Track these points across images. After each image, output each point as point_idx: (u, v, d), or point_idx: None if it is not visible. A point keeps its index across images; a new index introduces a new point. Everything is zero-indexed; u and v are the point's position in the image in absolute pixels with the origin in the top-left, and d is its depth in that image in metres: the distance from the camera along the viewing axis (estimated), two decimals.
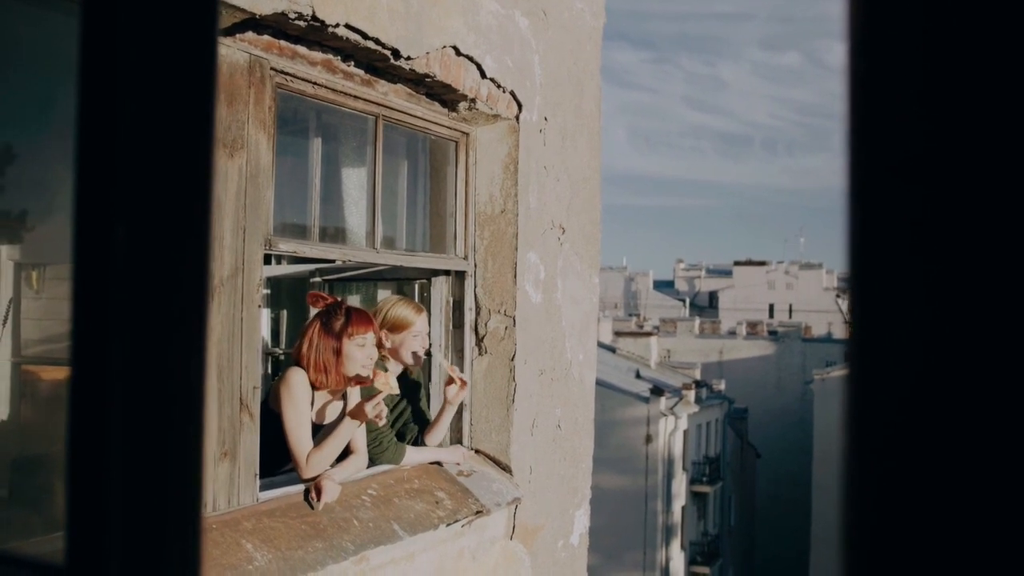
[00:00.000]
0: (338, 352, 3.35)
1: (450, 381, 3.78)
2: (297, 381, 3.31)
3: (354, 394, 3.48)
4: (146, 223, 0.73)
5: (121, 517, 0.72)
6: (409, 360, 3.81)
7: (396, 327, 3.77)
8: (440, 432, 3.86)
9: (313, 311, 3.52)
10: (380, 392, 3.32)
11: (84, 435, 0.74)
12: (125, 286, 0.72)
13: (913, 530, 0.47)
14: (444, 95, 3.81)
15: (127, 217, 0.72)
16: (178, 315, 0.75)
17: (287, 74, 3.12)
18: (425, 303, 4.13)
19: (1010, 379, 0.45)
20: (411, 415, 3.93)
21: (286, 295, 5.21)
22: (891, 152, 0.48)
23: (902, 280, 0.48)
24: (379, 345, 3.71)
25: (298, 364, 3.37)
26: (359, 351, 3.39)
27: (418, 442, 3.86)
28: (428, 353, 4.05)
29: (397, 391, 3.47)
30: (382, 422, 3.39)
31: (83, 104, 0.74)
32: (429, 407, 4.09)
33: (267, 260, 4.56)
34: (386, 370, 3.66)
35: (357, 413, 3.28)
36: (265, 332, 4.99)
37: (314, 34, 3.03)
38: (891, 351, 0.49)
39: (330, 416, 3.48)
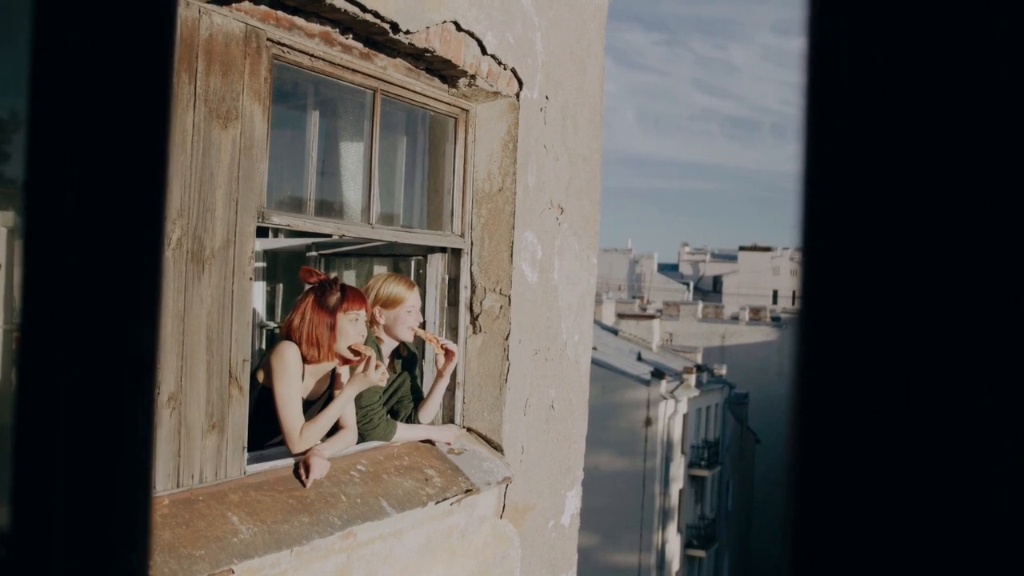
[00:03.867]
0: (332, 327, 3.35)
1: (444, 351, 3.78)
2: (290, 355, 3.30)
3: (345, 370, 3.48)
4: (96, 188, 0.71)
5: (64, 490, 0.71)
6: (405, 336, 3.79)
7: (389, 303, 3.75)
8: (433, 406, 3.86)
9: (306, 287, 3.51)
10: (369, 356, 3.33)
11: (30, 407, 0.72)
12: (73, 253, 0.71)
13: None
14: (444, 71, 3.77)
15: (77, 181, 0.70)
16: (129, 284, 0.73)
17: (284, 45, 3.09)
18: (420, 280, 4.11)
19: (973, 363, 0.43)
20: (405, 392, 3.92)
21: (283, 268, 5.20)
22: (849, 141, 0.46)
23: (857, 267, 0.47)
24: (372, 322, 3.70)
25: (288, 338, 3.37)
26: (352, 326, 3.39)
27: (412, 419, 3.86)
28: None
29: (383, 384, 3.45)
30: (384, 382, 3.40)
31: (34, 60, 0.71)
32: (423, 383, 4.08)
33: (263, 233, 4.54)
34: (379, 350, 3.65)
35: (359, 379, 3.31)
36: (260, 305, 4.98)
37: (312, 5, 3.00)
38: (843, 341, 0.47)
39: (316, 392, 3.47)
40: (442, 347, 3.77)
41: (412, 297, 3.78)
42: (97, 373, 0.72)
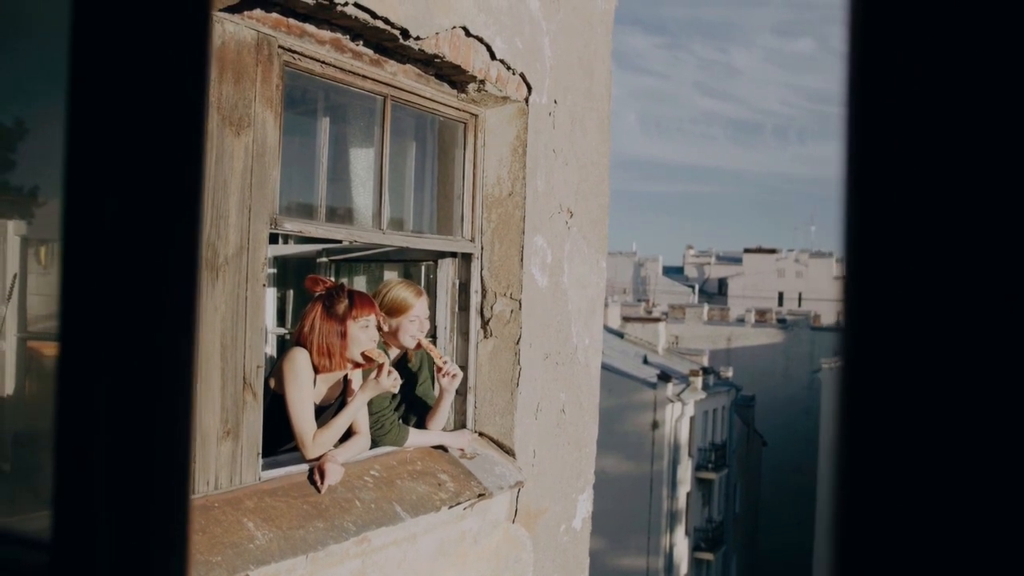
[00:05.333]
0: (343, 335, 3.35)
1: (440, 370, 3.72)
2: (302, 361, 3.31)
3: (357, 375, 3.48)
4: (135, 198, 0.72)
5: (106, 491, 0.72)
6: (408, 344, 3.76)
7: (394, 310, 3.72)
8: (440, 418, 3.83)
9: (314, 296, 3.50)
10: (384, 363, 3.33)
11: (70, 411, 0.73)
12: (112, 262, 0.71)
13: (904, 529, 0.46)
14: (453, 76, 3.78)
15: (116, 192, 0.71)
16: (167, 292, 0.74)
17: (295, 52, 3.11)
18: (431, 285, 4.12)
19: (1006, 372, 0.44)
20: (413, 399, 3.91)
21: (293, 275, 5.21)
22: (889, 140, 0.46)
23: (898, 269, 0.47)
24: (379, 328, 3.70)
25: (299, 346, 3.37)
26: (363, 333, 3.39)
27: (419, 427, 3.85)
28: (434, 337, 4.04)
29: (396, 389, 3.43)
30: (397, 389, 3.39)
31: (73, 77, 0.72)
32: (435, 387, 4.07)
33: (274, 239, 4.55)
34: (387, 355, 3.64)
35: (371, 385, 3.31)
36: (271, 312, 4.99)
37: (323, 12, 3.01)
38: (886, 344, 0.48)
39: (328, 397, 3.48)
40: (440, 369, 3.69)
41: (418, 306, 3.74)
42: (136, 380, 0.73)
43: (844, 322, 0.50)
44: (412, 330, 3.72)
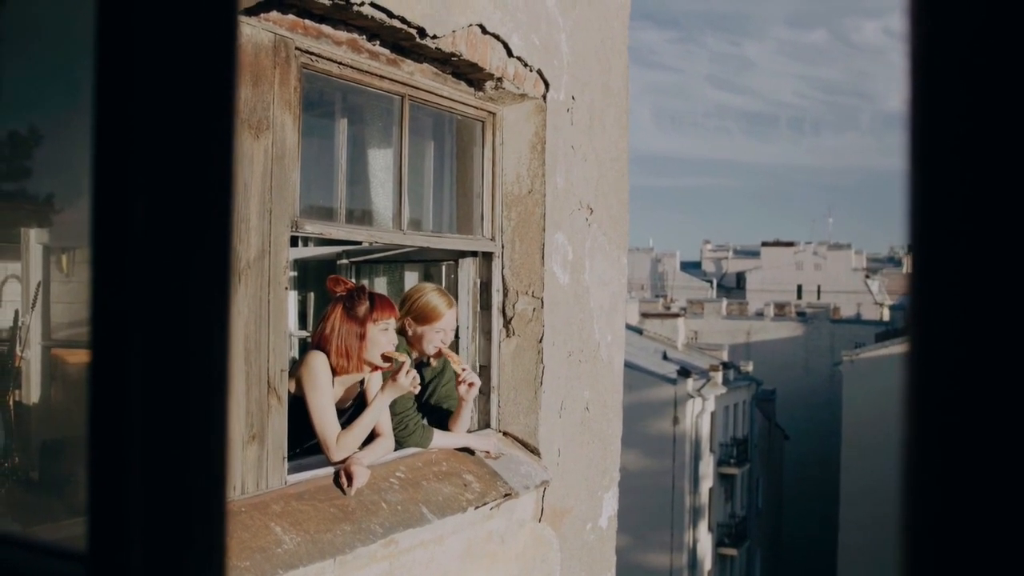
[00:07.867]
0: (362, 337, 3.33)
1: (459, 378, 3.69)
2: (319, 364, 3.29)
3: (375, 377, 3.46)
4: (166, 199, 0.70)
5: (142, 502, 0.70)
6: (429, 352, 3.73)
7: (423, 317, 3.70)
8: (463, 424, 3.79)
9: (334, 296, 3.49)
10: (403, 363, 3.31)
11: (104, 420, 0.71)
12: (144, 264, 0.70)
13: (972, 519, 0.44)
14: (470, 74, 3.76)
15: (146, 193, 0.69)
16: (200, 294, 0.73)
17: (312, 54, 3.09)
18: (452, 285, 4.10)
19: None
20: (441, 396, 3.89)
21: (313, 277, 5.21)
22: (953, 132, 0.44)
23: (962, 262, 0.45)
24: (401, 331, 3.68)
25: (318, 348, 3.36)
26: (383, 335, 3.37)
27: (440, 429, 3.82)
28: (456, 337, 4.01)
29: (416, 390, 3.42)
30: (417, 389, 3.37)
31: (100, 81, 0.71)
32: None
33: (294, 242, 4.55)
34: (409, 355, 3.62)
35: (392, 386, 3.29)
36: (292, 315, 4.99)
37: (339, 13, 3.00)
38: (951, 342, 0.45)
39: (345, 399, 3.46)
40: (458, 376, 3.67)
41: (448, 317, 3.71)
42: (170, 385, 0.71)
43: (911, 310, 0.48)
44: (436, 340, 3.70)
